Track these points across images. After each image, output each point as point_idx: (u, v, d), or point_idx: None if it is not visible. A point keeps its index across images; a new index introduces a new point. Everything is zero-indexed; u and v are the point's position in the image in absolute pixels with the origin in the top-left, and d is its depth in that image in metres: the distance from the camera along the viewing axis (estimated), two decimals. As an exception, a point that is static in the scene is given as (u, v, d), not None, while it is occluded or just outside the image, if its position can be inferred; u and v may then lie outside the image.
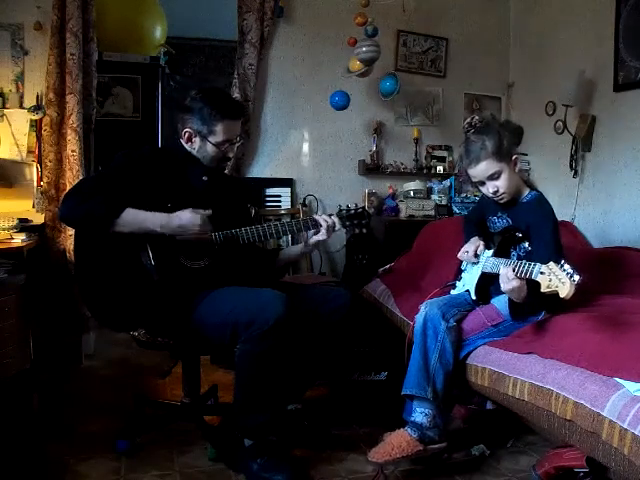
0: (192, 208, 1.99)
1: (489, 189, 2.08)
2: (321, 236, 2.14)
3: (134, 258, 1.99)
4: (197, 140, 2.12)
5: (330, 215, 2.16)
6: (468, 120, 2.11)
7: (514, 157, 2.06)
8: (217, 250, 2.06)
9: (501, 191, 2.07)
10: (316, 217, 2.15)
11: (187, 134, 2.12)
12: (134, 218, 1.94)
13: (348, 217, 2.18)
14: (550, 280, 1.70)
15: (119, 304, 2.01)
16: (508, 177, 2.05)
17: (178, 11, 4.20)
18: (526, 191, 2.13)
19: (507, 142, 2.03)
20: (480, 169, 2.04)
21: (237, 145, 2.26)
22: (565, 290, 1.66)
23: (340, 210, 2.19)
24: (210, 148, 2.11)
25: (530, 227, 2.05)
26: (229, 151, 2.16)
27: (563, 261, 1.71)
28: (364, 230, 2.18)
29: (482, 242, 2.20)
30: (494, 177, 2.05)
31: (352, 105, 3.71)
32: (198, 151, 2.13)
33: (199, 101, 2.09)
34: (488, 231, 2.26)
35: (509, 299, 1.98)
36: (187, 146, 2.15)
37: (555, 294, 1.70)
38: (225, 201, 2.23)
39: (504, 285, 1.88)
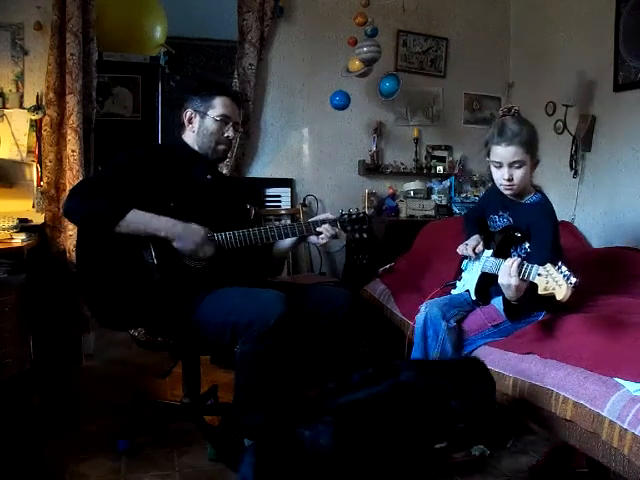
0: (196, 223, 1.99)
1: (504, 175, 2.05)
2: (321, 241, 2.14)
3: (136, 256, 1.99)
4: (197, 119, 2.15)
5: (333, 226, 2.14)
6: (507, 106, 2.14)
7: (536, 158, 2.08)
8: (218, 251, 2.05)
9: (515, 182, 2.05)
10: (319, 228, 2.13)
11: (188, 114, 2.17)
12: (138, 220, 1.95)
13: (349, 222, 2.17)
14: (547, 282, 1.70)
15: (119, 302, 2.00)
16: (526, 171, 2.05)
17: (178, 11, 4.19)
18: (531, 192, 2.14)
19: (536, 142, 2.07)
20: (509, 151, 2.02)
21: (238, 137, 2.26)
22: (562, 293, 1.66)
23: (341, 215, 2.18)
24: (209, 122, 2.13)
25: (530, 228, 2.05)
26: (229, 131, 2.16)
27: (560, 263, 1.70)
28: (364, 235, 2.18)
29: (482, 242, 2.20)
30: (515, 165, 2.03)
31: (352, 105, 3.70)
32: (198, 132, 2.15)
33: (197, 87, 2.19)
34: (488, 230, 2.26)
35: (503, 299, 1.98)
36: (189, 133, 2.16)
37: (551, 296, 1.70)
38: (226, 201, 2.23)
39: (502, 278, 1.86)
